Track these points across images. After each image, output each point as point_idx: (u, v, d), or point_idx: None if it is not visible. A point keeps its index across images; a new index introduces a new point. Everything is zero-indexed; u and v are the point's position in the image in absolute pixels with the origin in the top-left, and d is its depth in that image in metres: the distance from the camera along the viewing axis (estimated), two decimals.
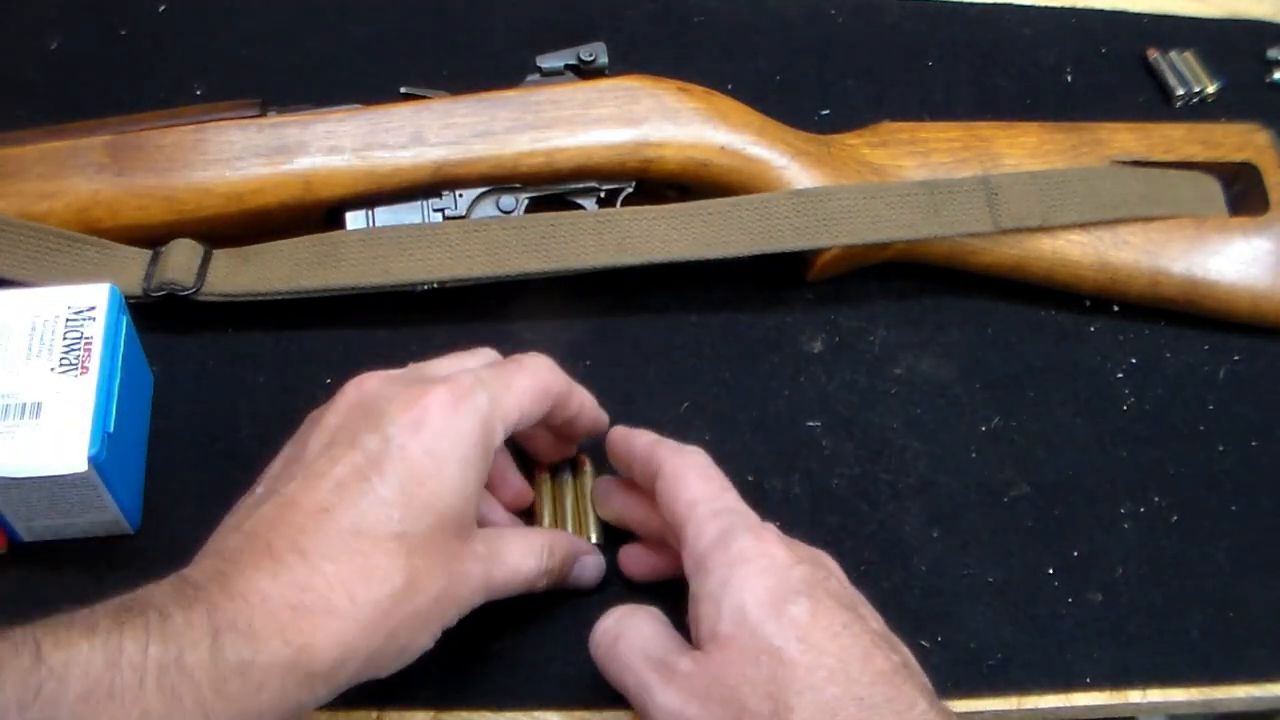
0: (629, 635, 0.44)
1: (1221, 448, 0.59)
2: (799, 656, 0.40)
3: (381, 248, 0.56)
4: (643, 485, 0.49)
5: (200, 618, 0.37)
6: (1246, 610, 0.55)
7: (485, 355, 0.50)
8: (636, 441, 0.49)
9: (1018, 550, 0.55)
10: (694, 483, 0.46)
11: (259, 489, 0.44)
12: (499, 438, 0.45)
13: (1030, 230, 0.60)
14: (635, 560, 0.52)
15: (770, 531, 0.44)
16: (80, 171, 0.56)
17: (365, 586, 0.40)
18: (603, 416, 0.52)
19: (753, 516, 0.46)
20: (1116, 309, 0.63)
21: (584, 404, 0.51)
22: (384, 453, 0.42)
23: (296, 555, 0.40)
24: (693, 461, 0.47)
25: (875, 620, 0.44)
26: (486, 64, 0.67)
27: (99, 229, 0.55)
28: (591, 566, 0.51)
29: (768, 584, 0.42)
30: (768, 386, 0.59)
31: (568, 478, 0.54)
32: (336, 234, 0.57)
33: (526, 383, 0.47)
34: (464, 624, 0.45)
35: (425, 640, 0.43)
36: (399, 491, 0.42)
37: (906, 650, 0.43)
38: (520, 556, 0.47)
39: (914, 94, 0.70)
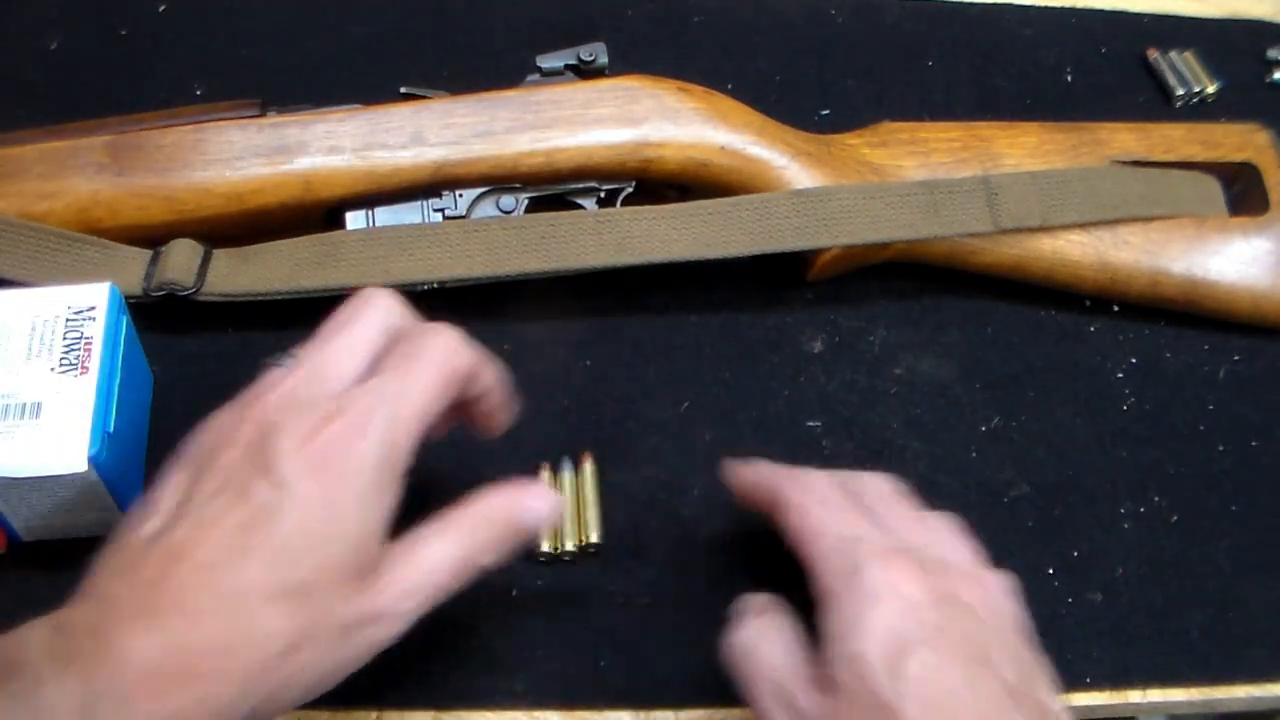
0: (758, 656, 0.44)
1: (1221, 448, 0.59)
2: (915, 716, 0.39)
3: (381, 248, 0.56)
4: (768, 513, 0.48)
5: (73, 686, 0.36)
6: (1246, 610, 0.55)
7: (386, 311, 0.46)
8: (760, 475, 0.49)
9: (1018, 550, 0.55)
10: (815, 511, 0.46)
11: (155, 520, 0.41)
12: (406, 453, 0.43)
13: (1030, 230, 0.60)
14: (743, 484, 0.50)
15: (900, 558, 0.43)
16: (80, 171, 0.55)
17: (248, 648, 0.39)
18: (510, 408, 0.49)
19: (878, 540, 0.44)
20: (1116, 309, 0.63)
21: (494, 384, 0.47)
22: (276, 504, 0.40)
23: (178, 614, 0.38)
24: (813, 487, 0.47)
25: (1010, 667, 0.42)
26: (486, 64, 0.67)
27: (99, 229, 0.55)
28: (536, 511, 0.45)
29: (891, 627, 0.41)
30: (768, 386, 0.59)
31: (569, 476, 0.54)
32: (336, 234, 0.56)
33: (428, 377, 0.43)
34: (464, 624, 0.45)
35: (327, 684, 0.41)
36: (290, 544, 0.40)
37: (1047, 695, 0.42)
38: (437, 559, 0.43)
39: (914, 94, 0.70)
